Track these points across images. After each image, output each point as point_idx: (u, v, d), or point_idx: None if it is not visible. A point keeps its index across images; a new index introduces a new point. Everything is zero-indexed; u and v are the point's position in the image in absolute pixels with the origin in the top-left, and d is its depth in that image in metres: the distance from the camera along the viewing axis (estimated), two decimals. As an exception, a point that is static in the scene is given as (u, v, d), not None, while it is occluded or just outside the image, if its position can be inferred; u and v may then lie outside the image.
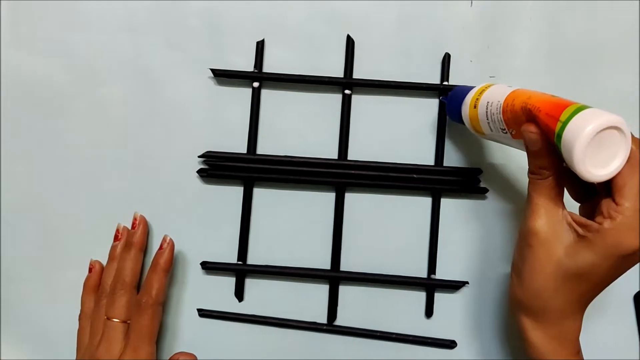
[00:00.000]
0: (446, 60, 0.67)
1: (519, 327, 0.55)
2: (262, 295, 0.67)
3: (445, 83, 0.66)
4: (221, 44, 0.68)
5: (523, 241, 0.53)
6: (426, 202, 0.67)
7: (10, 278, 0.68)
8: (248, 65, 0.68)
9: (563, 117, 0.47)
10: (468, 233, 0.67)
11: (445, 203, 0.67)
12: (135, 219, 0.66)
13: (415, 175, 0.66)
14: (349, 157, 0.67)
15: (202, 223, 0.68)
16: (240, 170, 0.67)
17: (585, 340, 0.65)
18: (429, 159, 0.67)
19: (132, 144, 0.68)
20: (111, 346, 0.60)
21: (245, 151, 0.67)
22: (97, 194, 0.68)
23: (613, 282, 0.52)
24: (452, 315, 0.67)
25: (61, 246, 0.68)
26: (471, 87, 0.60)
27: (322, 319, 0.67)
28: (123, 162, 0.68)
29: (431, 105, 0.67)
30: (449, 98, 0.63)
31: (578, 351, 0.55)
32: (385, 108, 0.67)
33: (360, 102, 0.67)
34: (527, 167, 0.53)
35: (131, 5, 0.68)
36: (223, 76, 0.67)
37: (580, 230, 0.50)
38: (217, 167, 0.67)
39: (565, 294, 0.52)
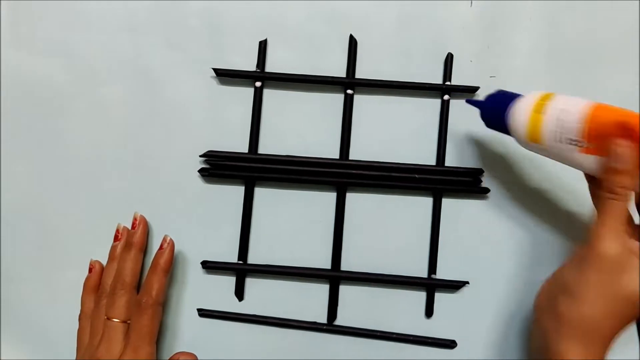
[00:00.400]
0: (449, 60, 0.67)
1: (557, 349, 0.53)
2: (262, 295, 0.67)
3: (448, 83, 0.67)
4: (221, 44, 0.68)
5: (584, 262, 0.52)
6: (427, 202, 0.67)
7: (10, 278, 0.68)
8: (248, 65, 0.68)
9: None
10: (469, 233, 0.67)
11: (447, 203, 0.67)
12: (135, 219, 0.65)
13: (416, 175, 0.66)
14: (351, 157, 0.67)
15: (203, 222, 0.68)
16: (242, 169, 0.67)
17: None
18: (430, 159, 0.67)
19: (132, 144, 0.68)
20: (111, 346, 0.60)
21: (246, 151, 0.67)
22: (97, 194, 0.68)
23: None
24: (452, 315, 0.67)
25: (61, 246, 0.68)
26: (517, 94, 0.58)
27: (323, 318, 0.67)
28: (123, 162, 0.68)
29: (433, 105, 0.67)
30: (487, 102, 0.62)
31: None
32: (387, 108, 0.67)
33: (362, 102, 0.68)
34: (588, 183, 0.55)
35: (131, 5, 0.68)
36: (225, 76, 0.67)
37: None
38: (218, 167, 0.67)
39: (619, 319, 0.52)
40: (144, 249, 0.66)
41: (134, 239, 0.64)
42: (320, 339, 0.67)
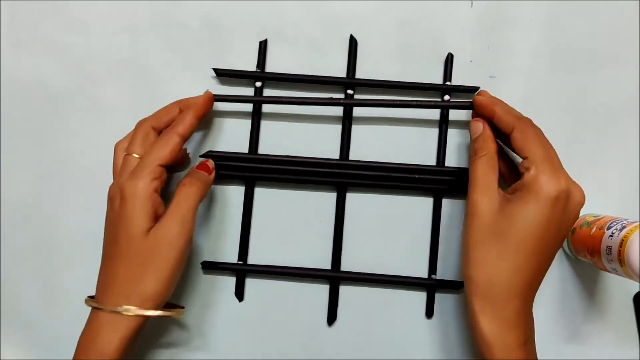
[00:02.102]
0: (449, 60, 0.67)
1: (469, 311, 0.56)
2: (262, 295, 0.68)
3: (448, 83, 0.67)
4: (221, 44, 0.68)
5: (466, 214, 0.58)
6: (427, 202, 0.67)
7: (10, 278, 0.68)
8: (248, 66, 0.68)
9: None
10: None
11: (447, 203, 0.67)
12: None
13: (416, 176, 0.66)
14: (351, 158, 0.67)
15: (203, 223, 0.68)
16: (242, 170, 0.67)
17: (586, 339, 0.66)
18: (430, 160, 0.67)
19: (132, 144, 0.68)
20: (121, 173, 0.60)
21: (246, 151, 0.67)
22: (97, 194, 0.67)
23: (552, 256, 0.56)
24: (452, 315, 0.67)
25: (61, 247, 0.68)
26: None
27: (323, 318, 0.67)
28: (123, 162, 0.68)
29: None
30: None
31: (525, 342, 0.55)
32: (387, 108, 0.67)
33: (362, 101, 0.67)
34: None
35: (131, 5, 0.68)
36: (225, 76, 0.67)
37: (509, 195, 0.55)
38: (218, 167, 0.66)
39: (511, 265, 0.54)
40: (187, 135, 0.62)
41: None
42: (320, 339, 0.67)
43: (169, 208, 0.57)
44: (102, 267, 0.58)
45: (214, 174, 0.63)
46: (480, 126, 0.61)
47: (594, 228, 0.59)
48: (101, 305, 0.56)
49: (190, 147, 0.67)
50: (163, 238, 0.56)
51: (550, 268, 0.64)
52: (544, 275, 0.57)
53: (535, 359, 0.56)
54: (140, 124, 0.62)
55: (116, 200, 0.57)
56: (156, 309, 0.56)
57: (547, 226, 0.53)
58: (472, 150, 0.61)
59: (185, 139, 0.60)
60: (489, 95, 0.63)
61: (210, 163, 0.64)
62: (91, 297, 0.58)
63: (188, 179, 0.59)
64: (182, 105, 0.63)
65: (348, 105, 0.67)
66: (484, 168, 0.58)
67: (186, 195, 0.58)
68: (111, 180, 0.66)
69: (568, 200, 0.54)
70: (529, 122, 0.58)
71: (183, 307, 0.62)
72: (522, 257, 0.54)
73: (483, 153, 0.59)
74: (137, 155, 0.60)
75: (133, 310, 0.55)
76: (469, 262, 0.56)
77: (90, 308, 0.57)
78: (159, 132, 0.62)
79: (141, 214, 0.56)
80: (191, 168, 0.62)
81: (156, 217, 0.58)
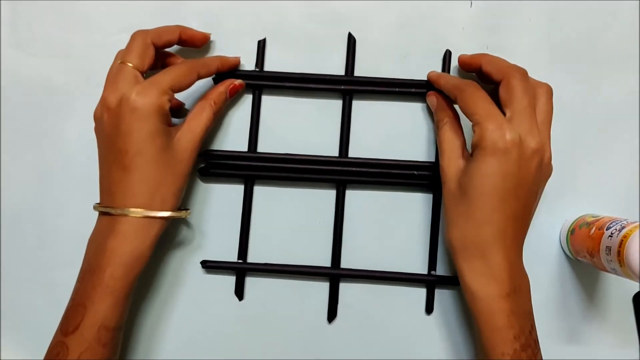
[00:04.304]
0: (447, 56, 0.67)
1: (458, 272, 0.59)
2: (262, 294, 0.67)
3: (446, 80, 0.66)
4: (220, 44, 0.69)
5: (442, 183, 0.61)
6: (427, 198, 0.67)
7: (10, 278, 0.68)
8: (247, 66, 0.68)
9: None
10: (469, 229, 0.67)
11: (446, 199, 0.67)
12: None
13: (415, 172, 0.66)
14: (350, 155, 0.67)
15: (203, 222, 0.68)
16: (241, 168, 0.67)
17: (586, 340, 0.66)
18: (429, 156, 0.67)
19: (132, 143, 0.68)
20: (115, 83, 0.60)
21: (245, 149, 0.67)
22: (96, 194, 0.67)
23: (526, 208, 0.58)
24: (452, 311, 0.67)
25: (61, 246, 0.68)
26: None
27: (323, 316, 0.67)
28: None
29: (432, 103, 0.67)
30: None
31: (510, 292, 0.55)
32: (386, 105, 0.68)
33: (361, 100, 0.68)
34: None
35: (131, 5, 0.69)
36: (225, 75, 0.67)
37: (471, 157, 0.57)
38: (217, 166, 0.67)
39: (477, 219, 0.56)
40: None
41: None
42: (320, 339, 0.67)
43: (186, 124, 0.62)
44: (116, 178, 0.58)
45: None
46: (434, 99, 0.65)
47: (593, 228, 0.60)
48: (125, 211, 0.58)
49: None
50: (178, 151, 0.60)
51: (550, 268, 0.64)
52: (523, 227, 0.59)
53: (525, 309, 0.57)
54: (137, 33, 0.62)
55: (126, 113, 0.57)
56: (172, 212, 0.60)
57: (503, 178, 0.55)
58: (435, 123, 0.65)
59: (200, 77, 0.63)
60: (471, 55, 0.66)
61: (241, 87, 0.67)
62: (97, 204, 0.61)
63: (209, 101, 0.64)
64: (184, 33, 0.65)
65: (347, 86, 0.67)
66: (447, 135, 0.62)
67: (205, 114, 0.63)
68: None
69: (521, 149, 0.55)
70: (509, 73, 0.59)
71: (188, 209, 0.65)
72: (487, 211, 0.55)
73: (444, 122, 0.63)
74: (131, 65, 0.60)
75: (161, 213, 0.59)
76: (446, 226, 0.59)
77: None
78: (157, 49, 0.63)
79: (160, 130, 0.58)
80: (223, 84, 0.66)
81: (170, 127, 0.61)
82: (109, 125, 0.58)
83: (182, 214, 0.62)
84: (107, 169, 0.59)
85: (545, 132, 0.58)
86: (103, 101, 0.59)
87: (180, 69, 0.61)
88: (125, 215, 0.57)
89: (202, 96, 0.65)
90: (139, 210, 0.58)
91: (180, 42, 0.65)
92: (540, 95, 0.60)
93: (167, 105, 0.58)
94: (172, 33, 0.64)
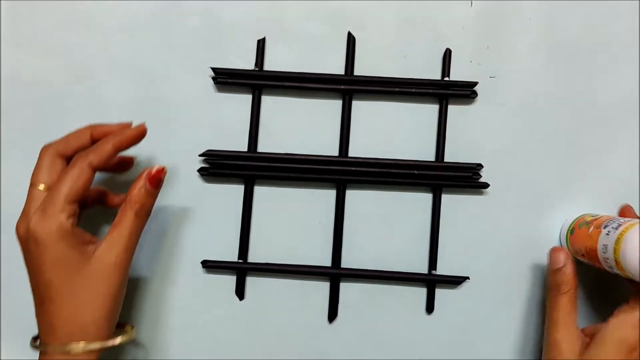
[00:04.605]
0: (447, 55, 0.67)
1: None
2: (262, 294, 0.67)
3: (447, 79, 0.67)
4: (221, 44, 0.68)
5: (547, 352, 0.58)
6: (427, 197, 0.67)
7: (10, 278, 0.68)
8: (247, 65, 0.68)
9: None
10: (469, 228, 0.67)
11: (446, 198, 0.67)
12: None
13: (416, 171, 0.66)
14: (350, 154, 0.67)
15: (203, 222, 0.68)
16: (241, 168, 0.67)
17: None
18: (429, 155, 0.67)
19: (132, 143, 0.68)
20: (27, 210, 0.56)
21: (245, 149, 0.67)
22: (96, 194, 0.68)
23: None
24: (453, 311, 0.67)
25: (61, 246, 0.68)
26: None
27: (323, 316, 0.67)
28: (123, 162, 0.68)
29: (431, 102, 0.67)
30: None
31: None
32: (386, 105, 0.68)
33: (361, 99, 0.68)
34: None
35: (130, 5, 0.68)
36: (224, 75, 0.67)
37: (588, 339, 0.56)
38: (217, 166, 0.67)
39: None
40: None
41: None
42: (320, 339, 0.67)
43: (108, 235, 0.55)
44: (40, 311, 0.55)
45: (160, 186, 0.59)
46: (562, 258, 0.60)
47: (592, 227, 0.60)
48: (51, 346, 0.54)
49: (189, 147, 0.67)
50: (99, 270, 0.54)
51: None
52: None
53: None
54: (44, 149, 0.58)
55: (31, 244, 0.54)
56: (108, 337, 0.55)
57: None
58: (552, 283, 0.60)
59: (97, 169, 0.56)
60: None
61: (164, 174, 0.59)
62: (35, 339, 0.57)
63: (130, 202, 0.56)
64: (96, 132, 0.59)
65: (347, 85, 0.67)
66: (567, 306, 0.58)
67: (126, 220, 0.56)
68: (110, 179, 0.67)
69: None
70: None
71: (133, 326, 0.61)
72: None
73: (566, 289, 0.58)
74: (42, 187, 0.56)
75: (83, 346, 0.53)
76: None
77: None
78: (67, 159, 0.58)
79: (66, 254, 0.53)
80: (140, 177, 0.57)
81: (85, 244, 0.55)
82: (23, 255, 0.56)
83: (118, 339, 0.56)
84: (34, 301, 0.56)
85: None
86: (16, 230, 0.56)
87: (73, 172, 0.54)
88: (45, 352, 0.54)
89: (124, 198, 0.57)
90: (57, 346, 0.53)
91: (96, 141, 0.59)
92: None
93: (69, 223, 0.54)
94: (81, 138, 0.59)
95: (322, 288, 0.67)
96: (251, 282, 0.68)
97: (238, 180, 0.68)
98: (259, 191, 0.68)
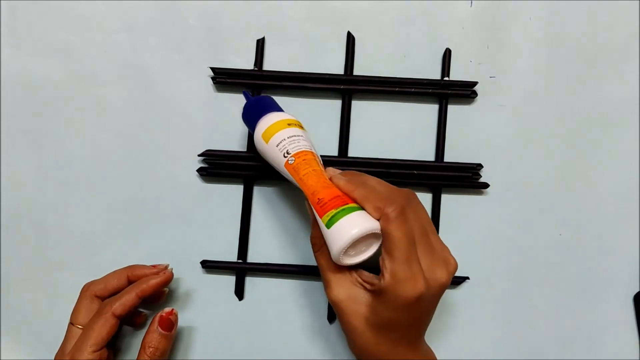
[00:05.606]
0: (447, 55, 0.67)
1: None
2: (262, 294, 0.67)
3: (447, 79, 0.67)
4: (220, 44, 0.68)
5: (335, 310, 0.55)
6: (427, 197, 0.67)
7: (10, 279, 0.68)
8: (247, 65, 0.68)
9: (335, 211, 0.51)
10: (469, 228, 0.67)
11: (446, 198, 0.67)
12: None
13: (415, 171, 0.66)
14: (349, 154, 0.67)
15: (202, 222, 0.68)
16: (240, 168, 0.67)
17: (586, 339, 0.66)
18: (429, 155, 0.67)
19: (131, 143, 0.68)
20: (64, 347, 0.60)
21: (245, 150, 0.67)
22: (96, 194, 0.68)
23: (429, 319, 0.55)
24: (452, 311, 0.67)
25: (61, 247, 0.68)
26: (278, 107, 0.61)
27: (323, 316, 0.67)
28: (122, 162, 0.68)
29: (431, 101, 0.67)
30: (253, 101, 0.63)
31: None
32: (385, 104, 0.68)
33: (360, 99, 0.68)
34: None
35: (131, 5, 0.69)
36: (223, 75, 0.67)
37: (368, 286, 0.53)
38: (217, 166, 0.67)
39: (387, 343, 0.53)
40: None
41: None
42: (320, 339, 0.67)
43: None
44: None
45: (175, 328, 0.62)
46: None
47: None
48: None
49: (188, 147, 0.68)
50: None
51: (550, 269, 0.64)
52: None
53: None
54: (84, 290, 0.62)
55: None
56: None
57: (415, 319, 0.53)
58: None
59: (122, 317, 0.59)
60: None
61: (174, 316, 0.62)
62: None
63: (144, 347, 0.59)
64: (132, 275, 0.62)
65: (346, 85, 0.67)
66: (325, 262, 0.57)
67: None
68: (110, 180, 0.67)
69: (429, 290, 0.51)
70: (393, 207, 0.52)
71: None
72: (397, 341, 0.54)
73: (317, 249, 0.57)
74: (80, 327, 0.60)
75: None
76: (353, 348, 0.56)
77: None
78: (104, 299, 0.62)
79: None
80: (153, 322, 0.61)
81: None
82: None
83: None
84: None
85: None
86: None
87: (99, 321, 0.58)
88: None
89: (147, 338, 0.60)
90: None
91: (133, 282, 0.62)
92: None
93: None
94: (120, 279, 0.62)
95: (322, 288, 0.67)
96: (250, 282, 0.67)
97: (237, 180, 0.68)
98: (259, 191, 0.68)
